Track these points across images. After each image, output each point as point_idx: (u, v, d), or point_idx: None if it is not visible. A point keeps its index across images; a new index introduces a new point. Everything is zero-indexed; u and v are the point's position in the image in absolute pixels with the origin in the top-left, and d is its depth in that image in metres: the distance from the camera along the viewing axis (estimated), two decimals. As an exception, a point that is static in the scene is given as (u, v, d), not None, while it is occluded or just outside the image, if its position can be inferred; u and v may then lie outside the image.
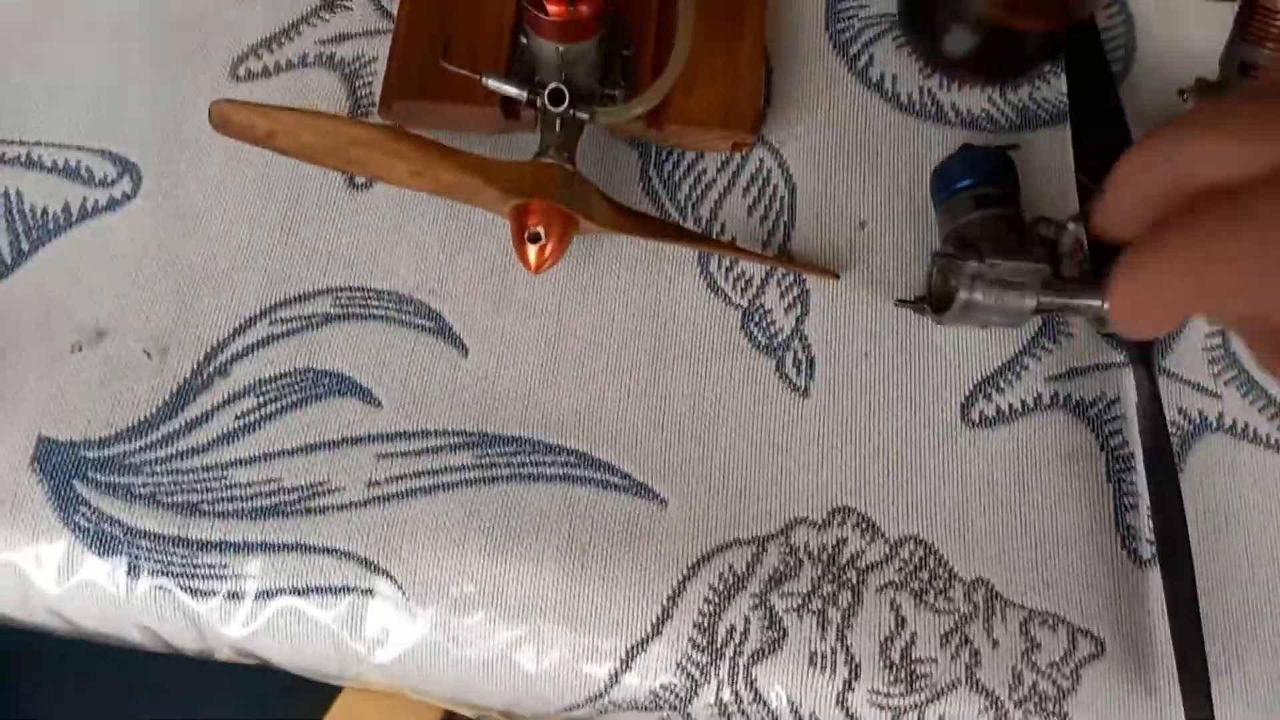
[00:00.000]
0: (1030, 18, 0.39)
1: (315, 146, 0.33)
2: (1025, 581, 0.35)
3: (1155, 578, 0.35)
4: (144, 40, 0.42)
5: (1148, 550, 0.36)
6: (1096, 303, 0.36)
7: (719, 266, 0.39)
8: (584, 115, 0.35)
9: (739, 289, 0.39)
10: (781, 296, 0.39)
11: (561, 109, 0.35)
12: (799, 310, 0.39)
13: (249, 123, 0.33)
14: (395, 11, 0.40)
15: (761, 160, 0.41)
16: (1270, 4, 0.35)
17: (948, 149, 0.39)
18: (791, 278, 0.39)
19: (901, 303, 0.38)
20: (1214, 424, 0.38)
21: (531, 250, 0.35)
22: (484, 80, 0.35)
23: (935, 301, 0.38)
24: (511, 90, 0.35)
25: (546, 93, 0.35)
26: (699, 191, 0.40)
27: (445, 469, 0.35)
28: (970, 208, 0.37)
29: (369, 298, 0.38)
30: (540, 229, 0.34)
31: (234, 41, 0.42)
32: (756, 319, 0.39)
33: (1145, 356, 0.37)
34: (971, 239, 0.36)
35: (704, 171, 0.41)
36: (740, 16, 0.40)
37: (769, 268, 0.39)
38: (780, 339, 0.38)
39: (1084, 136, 0.40)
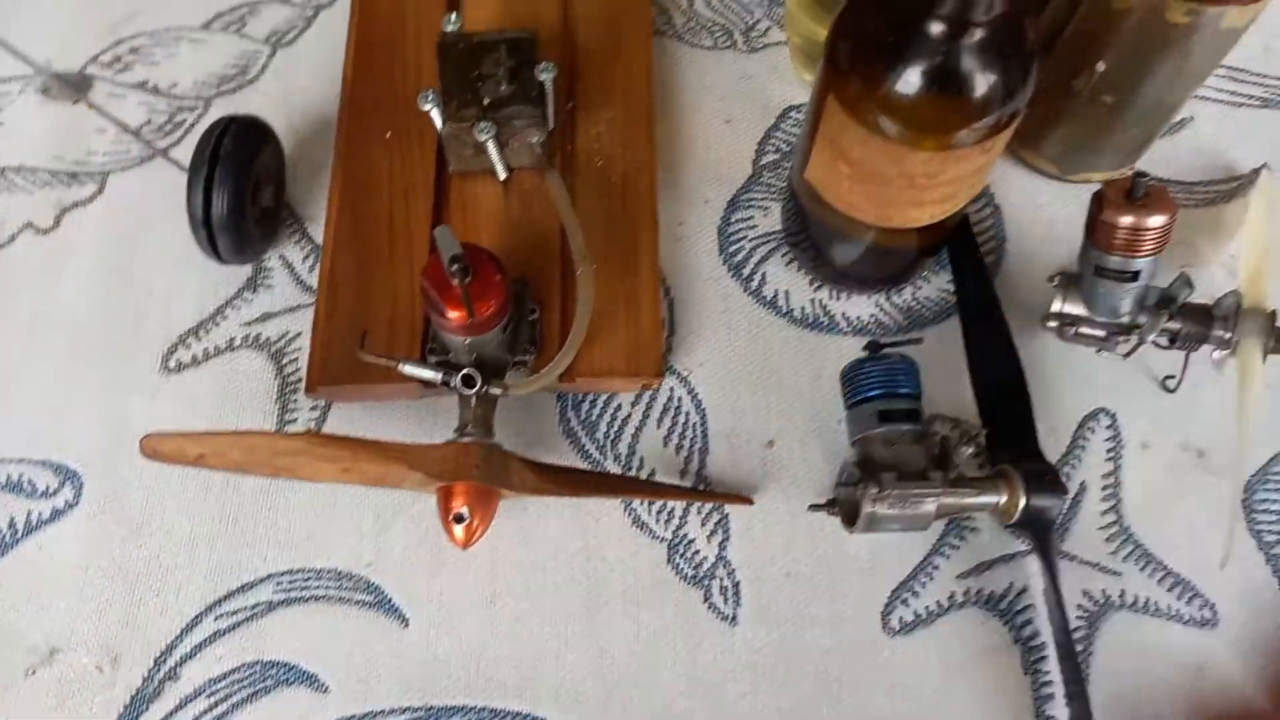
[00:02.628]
0: (905, 235, 0.42)
1: (245, 462, 0.35)
2: (958, 788, 0.37)
3: (1080, 768, 0.37)
4: (81, 344, 0.44)
5: (1070, 740, 0.38)
6: (994, 499, 0.38)
7: (643, 502, 0.42)
8: (496, 391, 0.38)
9: (662, 522, 0.41)
10: (703, 524, 0.41)
11: (474, 391, 0.37)
12: (721, 536, 0.41)
13: (179, 450, 0.35)
14: (315, 284, 0.43)
15: (672, 390, 0.44)
16: (1110, 219, 0.39)
17: (844, 357, 0.42)
18: (711, 505, 0.42)
19: (814, 507, 0.41)
20: (1117, 602, 0.40)
21: (458, 529, 0.37)
22: (400, 367, 0.38)
23: (844, 512, 0.40)
24: (427, 375, 0.38)
25: (459, 378, 0.37)
26: (615, 428, 0.43)
27: (396, 750, 0.37)
28: (875, 422, 0.40)
29: (309, 579, 0.40)
30: (465, 509, 0.36)
31: (165, 334, 0.44)
32: (682, 550, 0.41)
33: (1044, 545, 0.40)
34: (873, 458, 0.39)
35: (619, 409, 0.43)
36: (635, 269, 0.43)
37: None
38: (706, 568, 0.40)
39: (969, 329, 0.44)
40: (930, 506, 0.38)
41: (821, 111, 0.37)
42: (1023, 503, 0.38)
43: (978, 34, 0.33)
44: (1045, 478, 0.39)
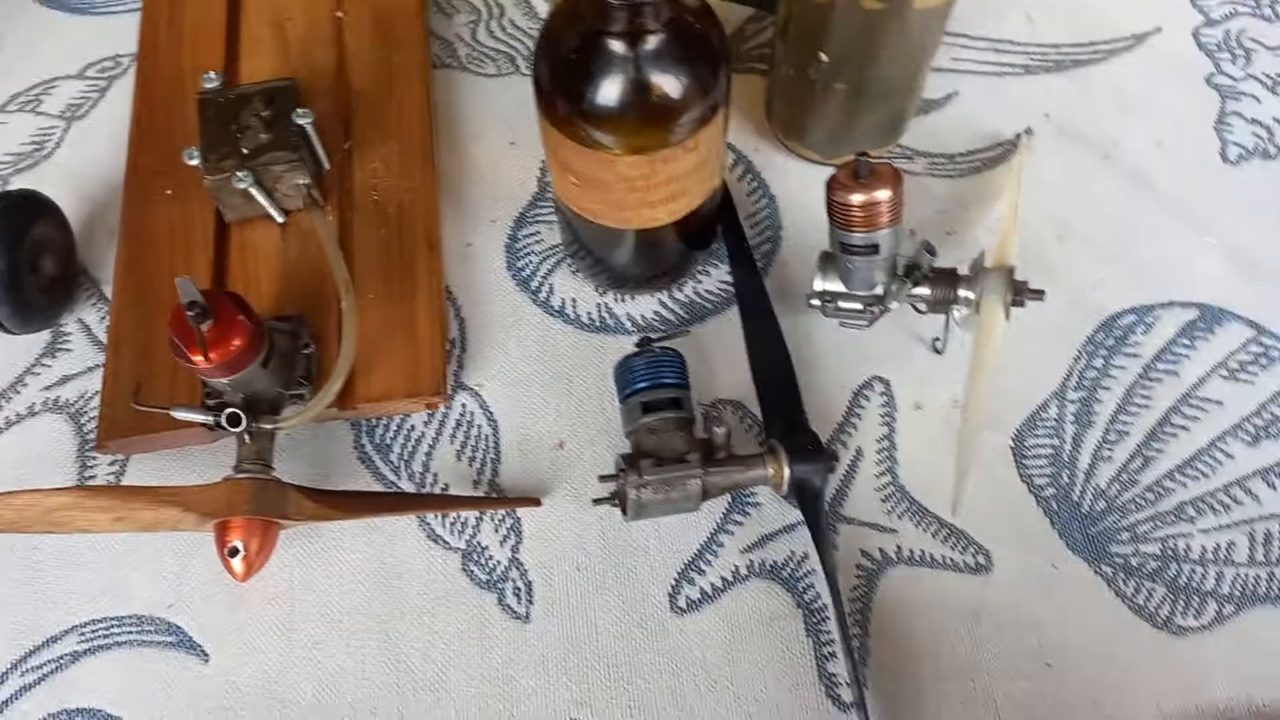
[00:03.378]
0: (662, 234, 0.44)
1: (18, 521, 0.37)
2: (744, 753, 0.39)
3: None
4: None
5: (848, 694, 0.40)
6: (762, 472, 0.40)
7: (436, 516, 0.43)
8: (267, 426, 0.40)
9: (456, 533, 0.43)
10: (496, 530, 0.43)
11: (240, 429, 0.39)
12: (514, 540, 0.43)
13: (-51, 515, 0.36)
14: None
15: (464, 405, 0.45)
16: (842, 199, 0.41)
17: (629, 356, 0.44)
18: (504, 512, 0.43)
19: (597, 501, 0.42)
20: (894, 557, 0.42)
21: (235, 562, 0.38)
22: (172, 413, 0.39)
23: (621, 503, 0.42)
24: (197, 418, 0.39)
25: (224, 417, 0.39)
26: (409, 449, 0.45)
27: (194, 781, 0.38)
28: (639, 413, 0.42)
29: (111, 626, 0.41)
30: (239, 542, 0.38)
31: (-34, 406, 0.46)
32: (475, 557, 0.42)
33: (812, 512, 0.41)
34: (640, 445, 0.41)
35: (412, 429, 0.45)
36: (413, 293, 0.45)
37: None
38: (499, 571, 0.42)
39: (743, 315, 0.46)
40: (694, 486, 0.40)
41: (542, 131, 0.39)
42: (788, 474, 0.40)
43: (653, 42, 0.35)
44: (808, 448, 0.41)
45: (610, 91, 0.36)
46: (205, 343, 0.36)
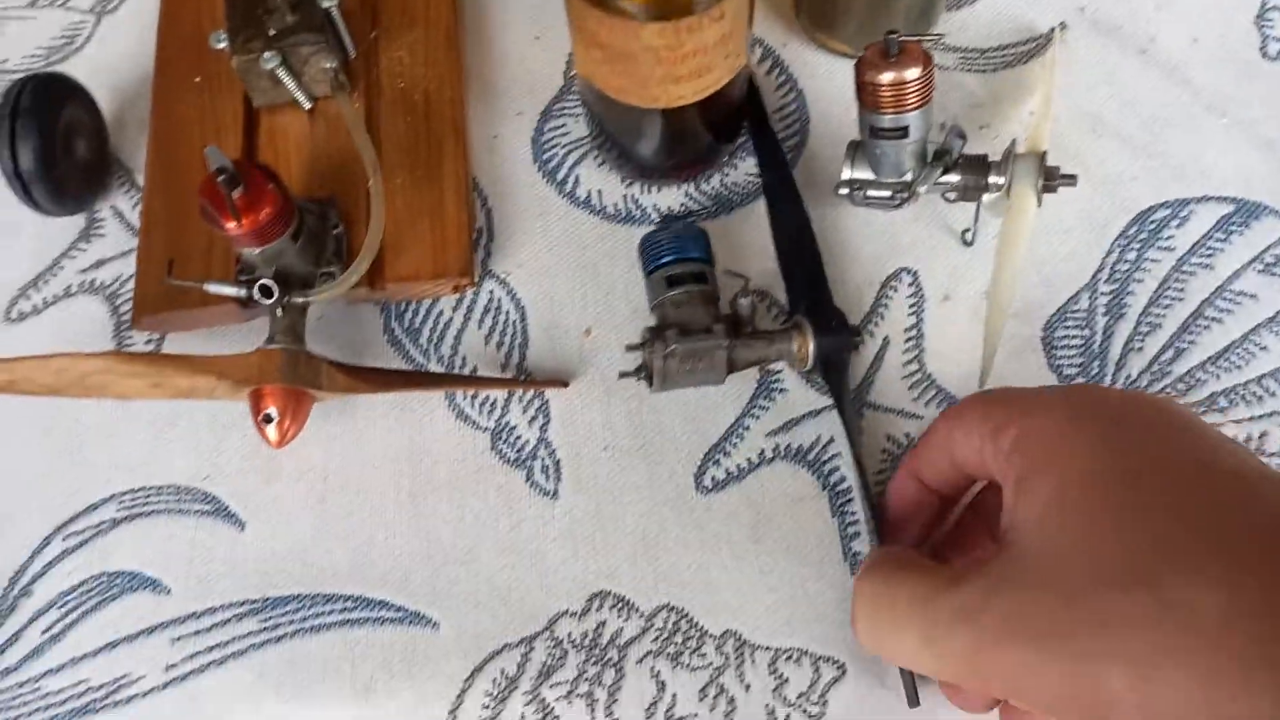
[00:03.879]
0: (688, 116, 0.44)
1: (55, 385, 0.38)
2: (769, 625, 0.39)
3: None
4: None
5: (872, 571, 0.40)
6: (787, 345, 0.41)
7: (465, 396, 0.44)
8: (298, 300, 0.40)
9: (485, 413, 0.43)
10: (524, 411, 0.43)
11: (273, 301, 0.39)
12: (542, 420, 0.43)
13: (-10, 378, 0.37)
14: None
15: (492, 292, 0.46)
16: (871, 79, 0.41)
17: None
18: (532, 393, 0.44)
19: (624, 374, 0.43)
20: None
21: (269, 429, 0.39)
22: (205, 287, 0.40)
23: (648, 375, 0.42)
24: (230, 291, 0.40)
25: (257, 288, 0.39)
26: (438, 332, 0.45)
27: (233, 639, 0.39)
28: (664, 287, 0.42)
29: (150, 495, 0.42)
30: (273, 409, 0.39)
31: (6, 287, 0.46)
32: (504, 437, 0.43)
33: (837, 387, 0.42)
34: (665, 319, 0.41)
35: (441, 314, 0.45)
36: (439, 179, 0.45)
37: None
38: (528, 450, 0.43)
39: (768, 195, 0.47)
40: (720, 358, 0.40)
41: (567, 2, 0.39)
42: (812, 347, 0.40)
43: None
44: (833, 323, 0.41)
45: (637, -49, 0.35)
46: (237, 208, 0.36)
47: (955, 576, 0.29)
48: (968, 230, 0.46)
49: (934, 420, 0.34)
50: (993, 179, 0.43)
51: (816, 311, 0.41)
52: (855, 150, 0.44)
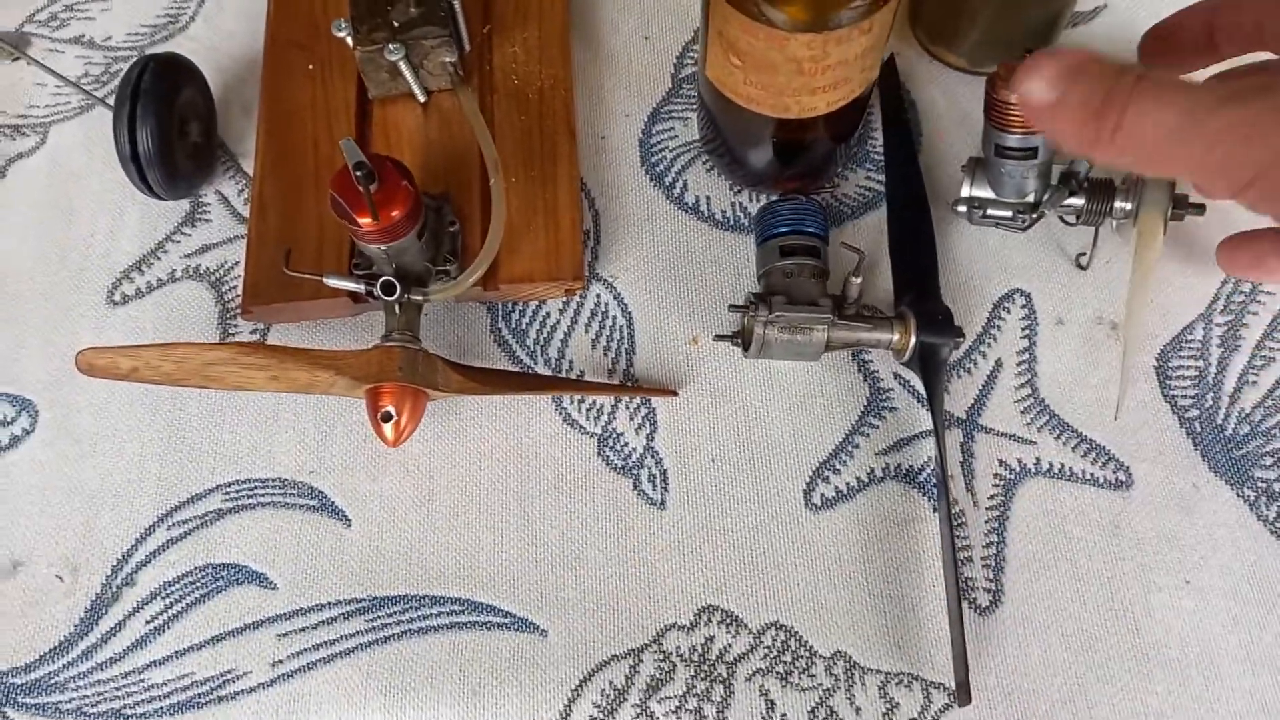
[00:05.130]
0: (810, 126, 0.43)
1: (176, 373, 0.37)
2: (879, 647, 0.39)
3: (994, 622, 0.39)
4: (30, 285, 0.46)
5: (985, 598, 0.40)
6: (888, 336, 0.41)
7: (572, 401, 0.43)
8: (417, 298, 0.40)
9: (592, 419, 0.43)
10: (631, 419, 0.43)
11: (394, 297, 0.39)
12: (649, 429, 0.43)
13: (112, 364, 0.37)
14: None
15: (599, 295, 0.45)
16: (1003, 97, 0.40)
17: (764, 257, 0.44)
18: (638, 400, 0.43)
19: (719, 337, 0.43)
20: (1032, 470, 0.42)
21: (386, 428, 0.38)
22: (325, 280, 0.40)
23: (744, 340, 0.42)
24: (349, 286, 0.39)
25: (379, 285, 0.39)
26: (545, 335, 0.44)
27: (340, 638, 0.39)
28: (777, 256, 0.42)
29: (255, 487, 0.42)
30: (391, 408, 0.38)
31: (109, 270, 0.46)
32: (611, 443, 0.42)
33: (933, 386, 0.41)
34: (772, 286, 0.41)
35: (547, 316, 0.45)
36: (554, 179, 0.44)
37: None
38: (634, 458, 0.42)
39: (889, 185, 0.46)
40: (820, 334, 0.40)
41: (707, 6, 0.38)
42: (914, 341, 0.40)
43: (846, -89, 0.34)
44: (939, 317, 0.41)
45: (792, -41, 0.35)
46: (374, 204, 0.36)
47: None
48: (1083, 254, 0.45)
49: None
50: (1119, 204, 0.42)
51: (923, 304, 0.41)
52: (976, 167, 0.43)
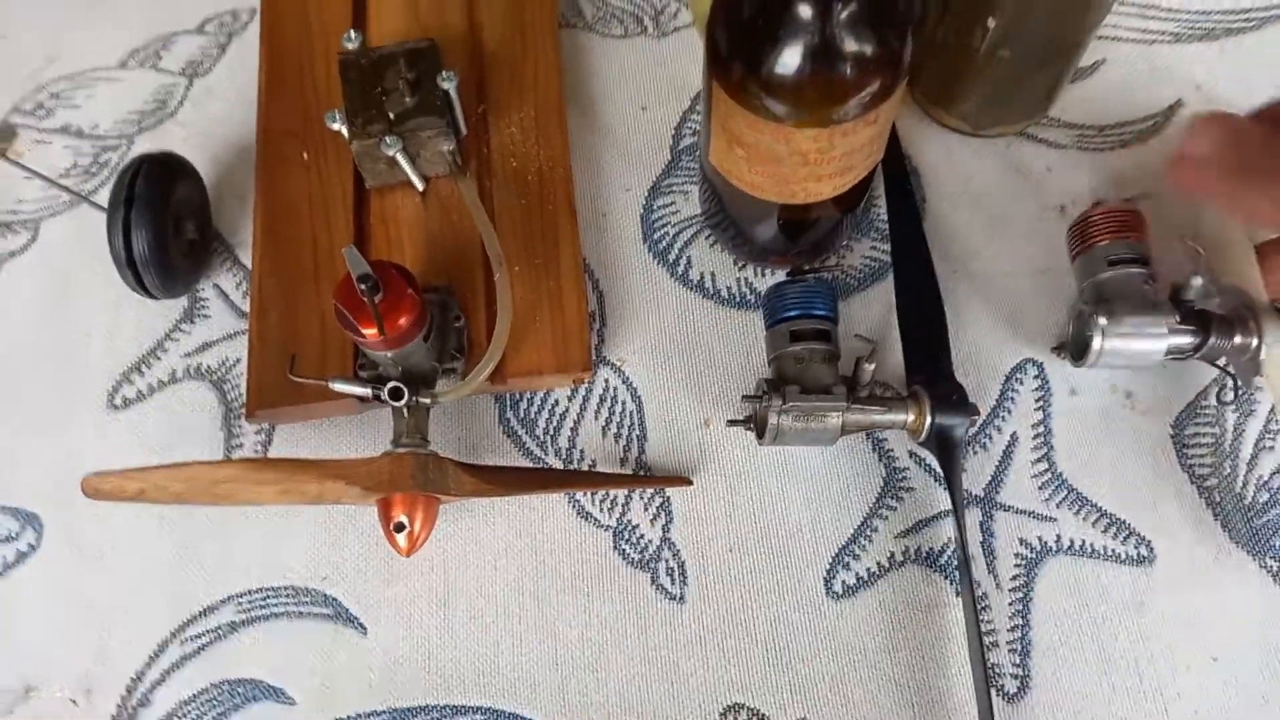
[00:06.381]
0: (820, 209, 0.43)
1: (185, 493, 0.37)
2: (907, 740, 0.38)
3: (1024, 710, 0.39)
4: (27, 390, 0.45)
5: (1013, 685, 0.39)
6: (903, 417, 0.40)
7: (585, 494, 0.43)
8: (425, 400, 0.39)
9: (606, 511, 0.42)
10: (646, 509, 0.42)
11: (403, 403, 0.38)
12: (664, 519, 0.42)
13: (118, 487, 0.36)
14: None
15: (607, 380, 0.45)
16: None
17: (772, 334, 0.43)
18: (653, 490, 0.43)
19: (731, 423, 0.42)
20: (1054, 547, 0.41)
21: (400, 537, 0.38)
22: (330, 385, 0.39)
23: (757, 427, 0.41)
24: (356, 391, 0.39)
25: (386, 391, 0.38)
26: (554, 424, 0.44)
27: (362, 754, 0.38)
28: (787, 341, 0.41)
29: (268, 597, 0.41)
30: (404, 517, 0.38)
31: (109, 373, 0.45)
32: (626, 536, 0.42)
33: (949, 465, 0.40)
34: (783, 373, 0.41)
35: (556, 404, 0.44)
36: (557, 263, 0.44)
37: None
38: (651, 551, 0.42)
39: (897, 261, 0.45)
40: (835, 420, 0.39)
41: (710, 98, 0.37)
42: (929, 421, 0.39)
43: (848, 8, 0.33)
44: (953, 397, 0.40)
45: (799, 59, 0.34)
46: (380, 316, 0.35)
47: None
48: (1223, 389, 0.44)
49: None
50: (1239, 340, 0.39)
51: (936, 383, 0.41)
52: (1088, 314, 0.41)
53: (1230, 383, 0.42)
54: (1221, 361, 0.40)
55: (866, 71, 0.34)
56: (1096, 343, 0.39)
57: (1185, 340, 0.40)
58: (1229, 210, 0.38)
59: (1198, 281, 0.40)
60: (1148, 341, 0.39)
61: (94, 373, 0.45)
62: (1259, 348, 0.39)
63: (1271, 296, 0.38)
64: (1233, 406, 0.43)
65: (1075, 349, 0.42)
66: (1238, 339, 0.39)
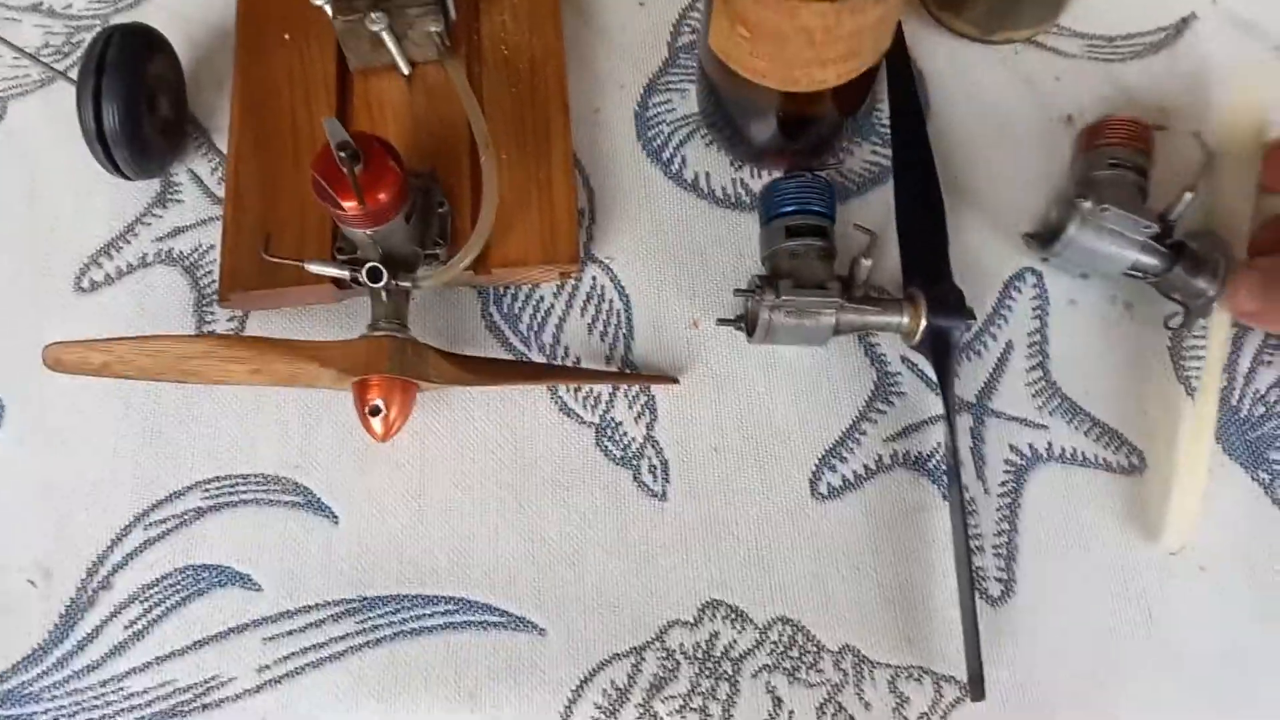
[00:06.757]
0: (816, 101, 0.41)
1: (151, 368, 0.35)
2: (888, 641, 0.38)
3: (1007, 613, 0.38)
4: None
5: (997, 588, 0.39)
6: (897, 319, 0.39)
7: (569, 389, 0.41)
8: (405, 285, 0.38)
9: (589, 407, 0.41)
10: (630, 407, 0.41)
11: (381, 284, 0.37)
12: (648, 418, 0.41)
13: (82, 359, 0.35)
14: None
15: (595, 278, 0.43)
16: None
17: (767, 236, 0.42)
18: (638, 388, 0.42)
19: (721, 321, 0.41)
20: (1044, 454, 0.40)
21: (375, 422, 0.37)
22: (306, 266, 0.37)
23: (748, 324, 0.40)
24: (332, 272, 0.37)
25: (364, 272, 0.37)
26: (539, 320, 0.43)
27: (330, 640, 0.37)
28: (783, 237, 0.40)
29: (236, 484, 0.40)
30: (380, 401, 0.36)
31: (75, 254, 0.43)
32: (609, 433, 0.41)
33: (944, 369, 0.39)
34: (777, 269, 0.40)
35: (541, 300, 0.43)
36: (548, 155, 0.42)
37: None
38: (634, 449, 0.41)
39: (898, 163, 0.44)
40: (828, 318, 0.38)
41: (713, -29, 0.36)
42: (924, 323, 0.38)
43: None
44: (950, 300, 0.39)
45: (803, -74, 0.32)
46: (360, 186, 0.34)
47: None
48: (1173, 315, 0.43)
49: None
50: (1202, 284, 0.39)
51: (934, 286, 0.39)
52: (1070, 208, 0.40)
53: (1182, 313, 0.41)
54: (1177, 296, 0.40)
55: (874, -61, 0.33)
56: (1072, 228, 0.39)
57: (1152, 261, 0.39)
58: None
59: (1188, 197, 0.39)
60: (1119, 245, 0.39)
61: (61, 255, 0.43)
62: (1213, 299, 0.39)
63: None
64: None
65: (1048, 234, 0.41)
66: (1200, 282, 0.39)
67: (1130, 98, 0.46)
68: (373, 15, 0.40)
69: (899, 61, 0.46)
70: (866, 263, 0.39)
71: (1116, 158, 0.41)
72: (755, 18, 0.35)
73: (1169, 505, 0.39)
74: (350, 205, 0.34)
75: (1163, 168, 0.42)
